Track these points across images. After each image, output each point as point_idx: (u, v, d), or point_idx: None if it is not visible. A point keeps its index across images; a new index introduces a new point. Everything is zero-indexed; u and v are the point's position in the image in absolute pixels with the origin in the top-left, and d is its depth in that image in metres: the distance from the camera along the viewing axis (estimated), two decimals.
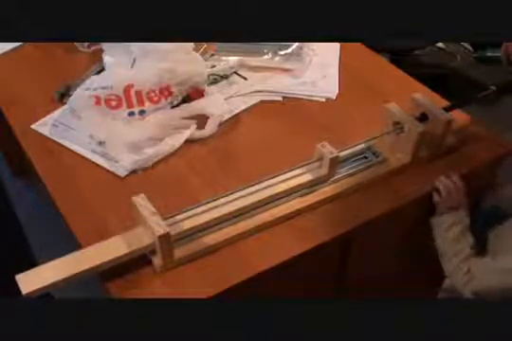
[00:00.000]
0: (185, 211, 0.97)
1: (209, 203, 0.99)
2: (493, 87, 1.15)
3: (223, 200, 1.00)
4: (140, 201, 0.94)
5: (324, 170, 1.05)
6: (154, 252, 0.95)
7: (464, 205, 1.09)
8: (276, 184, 1.04)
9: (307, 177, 1.06)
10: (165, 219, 0.93)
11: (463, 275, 1.03)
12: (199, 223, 0.97)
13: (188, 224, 0.97)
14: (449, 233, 1.07)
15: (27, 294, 0.87)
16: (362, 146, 1.12)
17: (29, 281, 0.89)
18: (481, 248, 1.07)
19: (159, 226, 0.90)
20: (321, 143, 1.04)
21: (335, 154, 1.02)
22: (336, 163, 1.05)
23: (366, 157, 1.12)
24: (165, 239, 0.90)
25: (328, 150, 1.03)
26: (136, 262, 0.96)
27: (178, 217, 0.97)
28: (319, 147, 1.03)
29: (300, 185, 1.05)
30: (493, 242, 1.07)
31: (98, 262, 0.91)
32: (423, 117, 1.10)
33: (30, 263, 0.95)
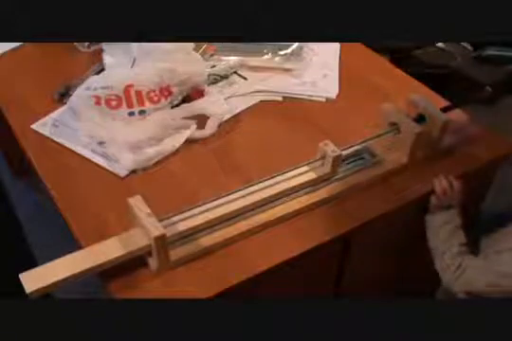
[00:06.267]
0: (182, 212, 0.97)
1: (207, 203, 0.99)
2: (488, 88, 1.15)
3: (222, 200, 1.00)
4: (136, 202, 0.93)
5: (327, 169, 1.05)
6: (150, 253, 0.94)
7: (456, 204, 1.09)
8: (277, 183, 1.04)
9: (310, 176, 1.06)
10: (161, 220, 0.92)
11: (454, 270, 1.04)
12: (195, 224, 0.97)
13: (184, 226, 0.96)
14: (440, 231, 1.08)
15: (31, 293, 0.87)
16: (359, 147, 1.12)
17: (33, 280, 0.88)
18: (475, 248, 1.08)
19: (155, 228, 0.89)
20: (324, 141, 1.04)
21: (337, 153, 1.02)
22: (338, 161, 1.05)
23: (363, 158, 1.13)
24: (161, 240, 0.90)
25: (331, 148, 1.03)
26: (136, 263, 0.96)
27: (174, 218, 0.96)
28: (321, 145, 1.04)
29: (302, 183, 1.05)
30: (489, 244, 1.08)
31: (94, 264, 0.90)
32: (420, 118, 1.10)
33: (30, 263, 0.95)
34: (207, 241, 0.99)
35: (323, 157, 1.05)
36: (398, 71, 1.40)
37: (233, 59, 1.38)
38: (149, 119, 1.19)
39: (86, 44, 1.44)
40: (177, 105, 1.25)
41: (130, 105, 1.18)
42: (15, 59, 1.43)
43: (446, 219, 1.08)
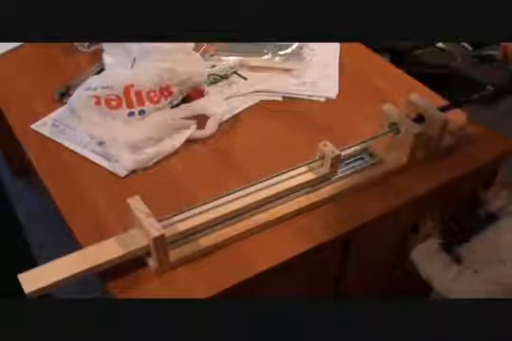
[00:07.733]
0: (182, 212, 0.97)
1: (206, 203, 0.99)
2: (490, 87, 1.15)
3: (221, 200, 1.00)
4: (135, 203, 0.93)
5: (326, 169, 1.05)
6: (149, 253, 0.94)
7: (434, 233, 1.14)
8: (276, 183, 1.04)
9: (309, 176, 1.06)
10: (160, 220, 0.92)
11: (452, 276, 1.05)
12: (195, 224, 0.97)
13: (184, 226, 0.96)
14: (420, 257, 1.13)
15: (30, 293, 0.87)
16: (359, 147, 1.12)
17: (31, 281, 0.88)
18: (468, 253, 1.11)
19: (154, 228, 0.89)
20: (323, 142, 1.04)
21: (336, 153, 1.02)
22: (337, 162, 1.05)
23: (363, 158, 1.12)
24: (160, 241, 0.89)
25: (330, 148, 1.03)
26: (136, 263, 0.95)
27: (174, 218, 0.96)
28: (320, 146, 1.04)
29: (301, 184, 1.05)
30: (484, 252, 1.09)
31: (94, 264, 0.90)
32: (419, 118, 1.09)
33: (30, 263, 0.95)
34: (206, 241, 0.99)
35: (323, 158, 1.05)
36: (398, 71, 1.40)
37: (233, 59, 1.38)
38: (149, 119, 1.19)
39: (86, 44, 1.44)
40: (177, 105, 1.24)
41: (130, 105, 1.18)
42: (15, 59, 1.43)
43: (423, 251, 1.13)
